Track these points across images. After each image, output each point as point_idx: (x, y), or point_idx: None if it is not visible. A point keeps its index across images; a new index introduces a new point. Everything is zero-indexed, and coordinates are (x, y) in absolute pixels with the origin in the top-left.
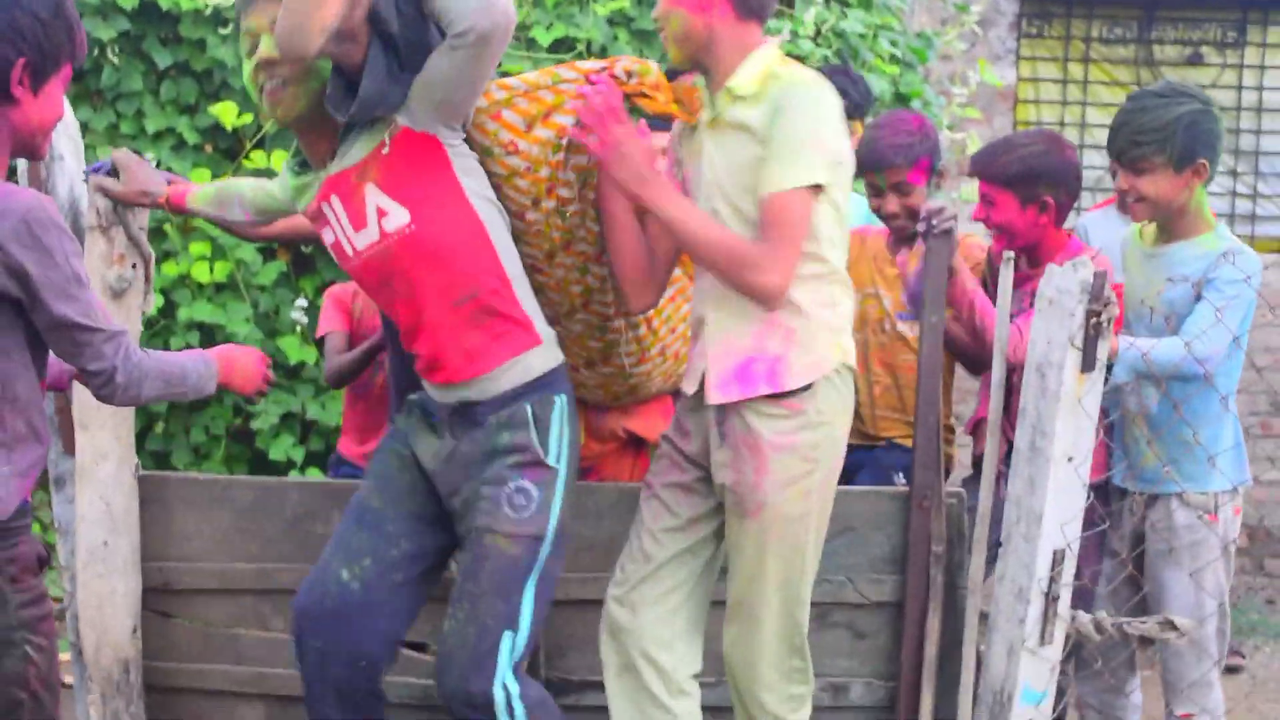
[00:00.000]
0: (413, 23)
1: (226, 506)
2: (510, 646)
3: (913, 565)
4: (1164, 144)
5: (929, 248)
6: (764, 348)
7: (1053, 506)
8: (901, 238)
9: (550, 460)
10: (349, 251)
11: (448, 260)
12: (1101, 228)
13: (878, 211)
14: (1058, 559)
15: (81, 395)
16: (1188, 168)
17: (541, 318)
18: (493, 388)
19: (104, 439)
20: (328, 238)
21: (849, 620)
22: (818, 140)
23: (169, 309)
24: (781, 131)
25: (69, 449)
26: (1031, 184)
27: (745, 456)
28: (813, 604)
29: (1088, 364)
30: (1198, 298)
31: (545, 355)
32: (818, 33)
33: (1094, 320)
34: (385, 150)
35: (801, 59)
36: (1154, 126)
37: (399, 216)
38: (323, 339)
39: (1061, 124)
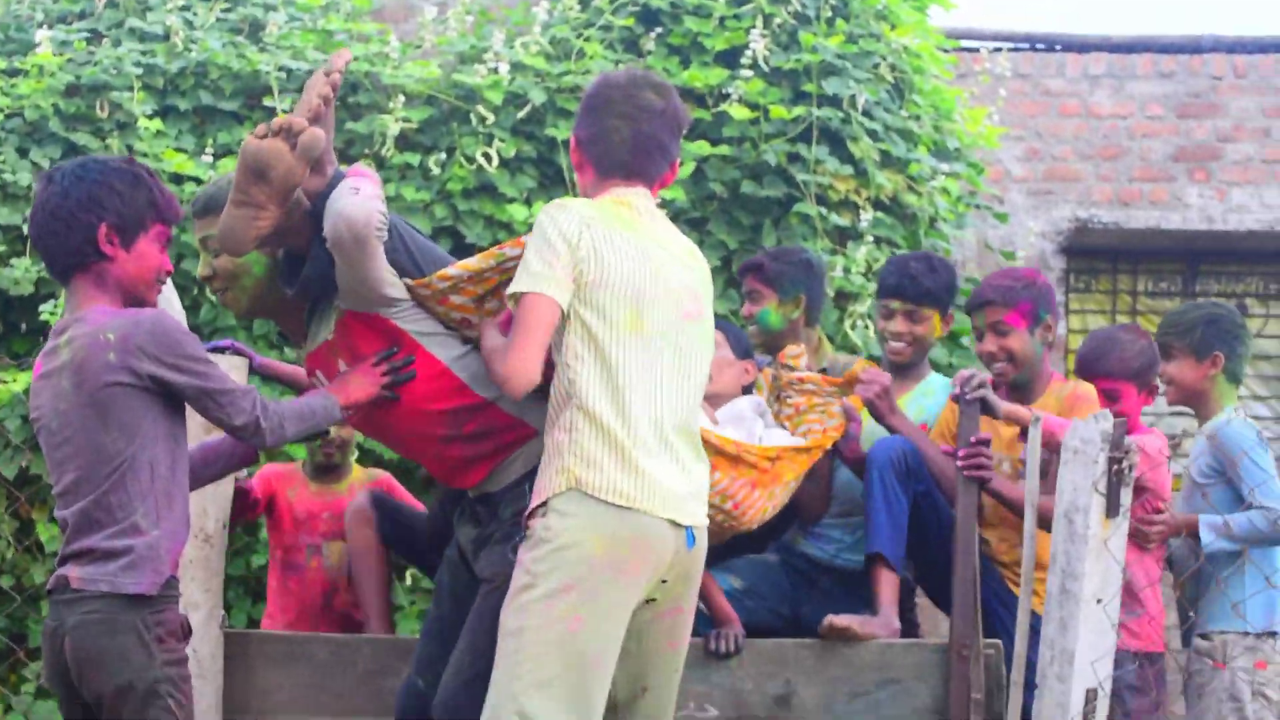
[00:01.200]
0: None
1: (304, 662)
2: None
3: (954, 714)
4: (1185, 334)
5: (961, 412)
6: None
7: (1084, 646)
8: (1000, 383)
9: None
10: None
11: (424, 409)
12: None
13: (980, 355)
14: (1090, 697)
15: None
16: (1206, 357)
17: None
18: (504, 478)
19: (194, 591)
20: None
21: None
22: (529, 255)
23: None
24: None
25: None
26: (1148, 373)
27: None
28: None
29: (1112, 509)
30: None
31: None
32: (869, 269)
33: (1115, 467)
34: (329, 336)
35: (856, 295)
36: (1182, 321)
37: None
38: None
39: None
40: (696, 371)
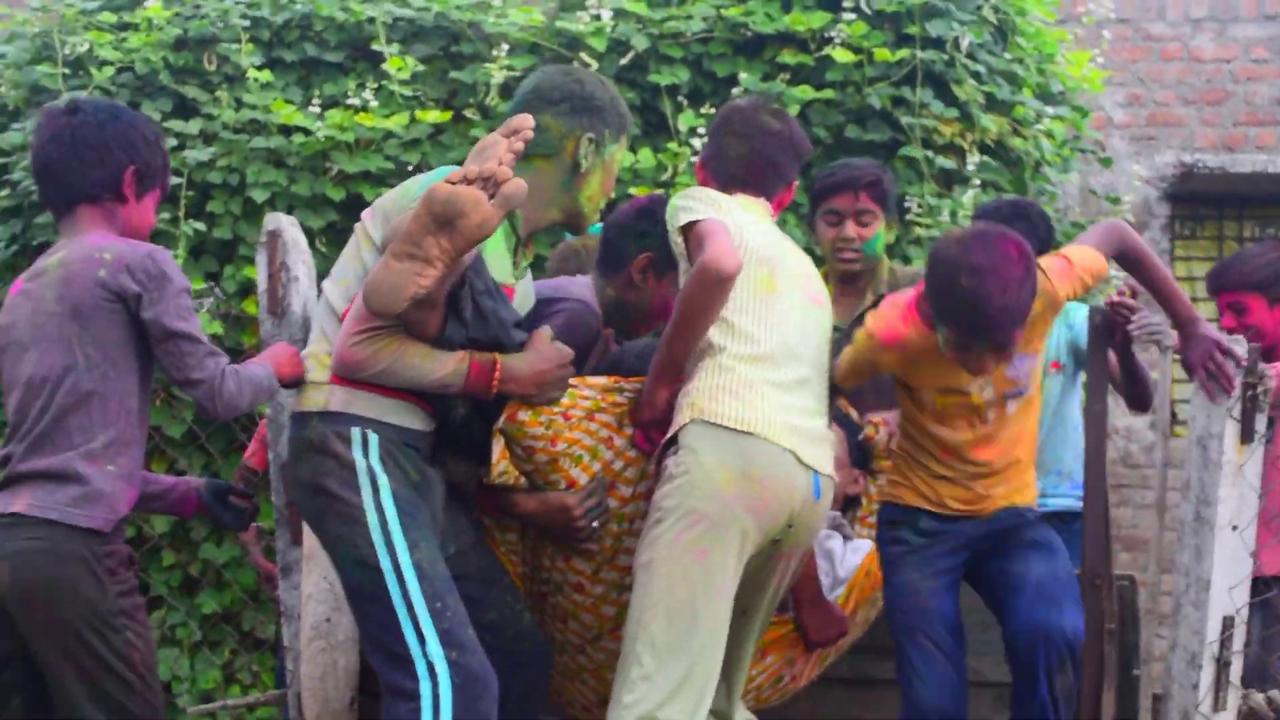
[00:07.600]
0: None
1: None
2: None
3: (1087, 644)
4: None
5: (1091, 341)
6: None
7: (1220, 574)
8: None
9: None
10: None
11: None
12: None
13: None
14: (1227, 625)
15: None
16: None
17: None
18: None
19: None
20: None
21: None
22: (681, 215)
23: None
24: None
25: (296, 539)
26: (1277, 284)
27: None
28: (993, 684)
29: (1246, 435)
30: None
31: None
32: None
33: (1250, 393)
34: None
35: None
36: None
37: None
38: None
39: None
40: (818, 350)
